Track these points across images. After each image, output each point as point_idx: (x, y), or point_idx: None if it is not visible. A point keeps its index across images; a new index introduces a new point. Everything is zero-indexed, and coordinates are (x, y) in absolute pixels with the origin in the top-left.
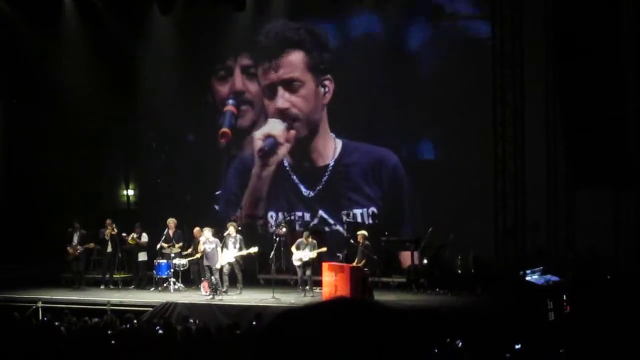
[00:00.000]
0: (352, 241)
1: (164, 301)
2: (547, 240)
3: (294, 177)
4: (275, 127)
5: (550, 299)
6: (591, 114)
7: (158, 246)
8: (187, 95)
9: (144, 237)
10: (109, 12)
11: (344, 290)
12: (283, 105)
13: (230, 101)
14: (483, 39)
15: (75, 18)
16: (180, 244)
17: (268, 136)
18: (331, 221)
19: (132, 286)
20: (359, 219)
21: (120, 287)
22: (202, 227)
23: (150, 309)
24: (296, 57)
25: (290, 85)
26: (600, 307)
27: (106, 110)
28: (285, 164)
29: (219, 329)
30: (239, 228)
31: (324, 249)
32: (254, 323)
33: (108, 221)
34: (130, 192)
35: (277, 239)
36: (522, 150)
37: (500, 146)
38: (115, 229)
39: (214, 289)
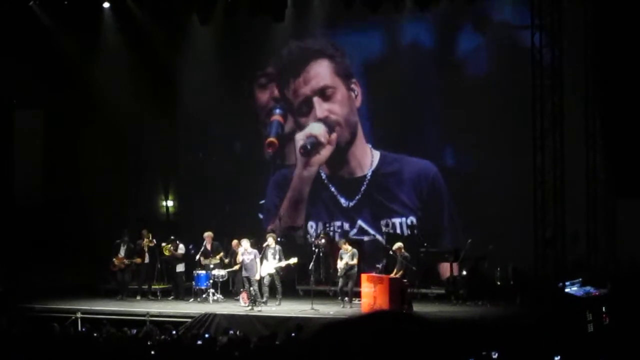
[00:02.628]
0: (390, 252)
1: (203, 312)
2: (587, 251)
3: (332, 188)
4: (316, 128)
5: (590, 311)
6: (631, 123)
7: (197, 259)
8: (228, 104)
9: (181, 249)
10: (148, 22)
11: (383, 302)
12: (322, 114)
13: (277, 110)
14: (524, 48)
15: (114, 28)
16: (221, 254)
17: (309, 135)
18: (371, 231)
19: (171, 297)
20: (398, 229)
21: (159, 297)
22: (240, 238)
23: (190, 319)
24: (322, 66)
25: (324, 93)
26: None
27: (145, 120)
28: (323, 175)
29: (258, 339)
30: (279, 239)
31: (356, 260)
32: (293, 334)
33: (144, 232)
34: (170, 203)
35: (317, 249)
36: (562, 160)
37: (540, 157)
38: (153, 240)
39: (253, 300)
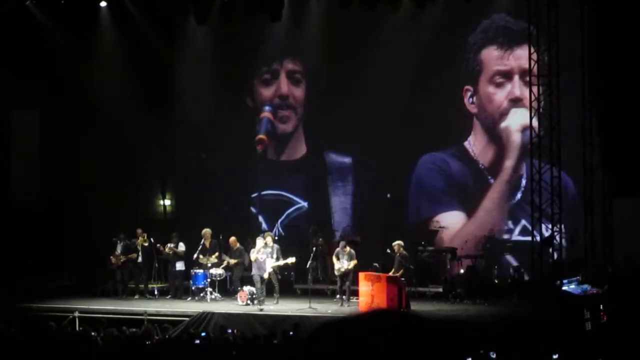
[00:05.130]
0: (388, 251)
1: (201, 311)
2: (584, 250)
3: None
4: None
5: (588, 309)
6: (627, 123)
7: (194, 257)
8: (226, 102)
9: (181, 247)
10: (145, 21)
11: (380, 300)
12: (518, 94)
13: (267, 107)
14: (522, 48)
15: (111, 28)
16: (217, 254)
17: None
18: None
19: (169, 296)
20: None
21: (156, 296)
22: (237, 236)
23: (187, 318)
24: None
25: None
26: (638, 316)
27: (142, 119)
28: None
29: (255, 338)
30: (276, 238)
31: (355, 262)
32: (291, 333)
33: (139, 231)
34: (167, 202)
35: (314, 248)
36: (559, 160)
37: (537, 156)
38: (147, 239)
39: (252, 299)
